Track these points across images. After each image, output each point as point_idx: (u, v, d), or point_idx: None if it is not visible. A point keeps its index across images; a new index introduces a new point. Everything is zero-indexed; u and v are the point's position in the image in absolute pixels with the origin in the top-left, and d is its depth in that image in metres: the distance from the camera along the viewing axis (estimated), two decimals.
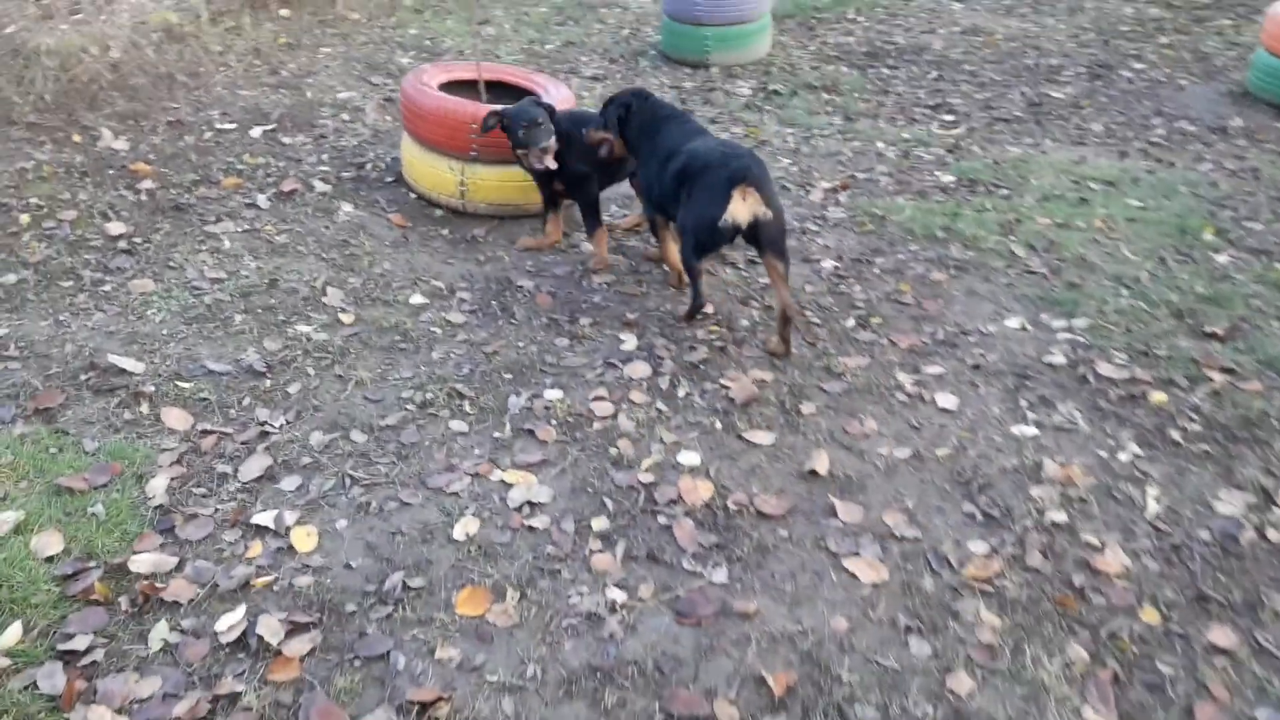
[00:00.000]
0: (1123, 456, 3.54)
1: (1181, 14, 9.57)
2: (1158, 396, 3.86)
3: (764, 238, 3.88)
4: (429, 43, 8.24)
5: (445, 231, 5.02)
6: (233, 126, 5.98)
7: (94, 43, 6.29)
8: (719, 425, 3.64)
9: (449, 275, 4.59)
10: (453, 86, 5.40)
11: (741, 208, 3.77)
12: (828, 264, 4.83)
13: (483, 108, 4.94)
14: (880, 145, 6.55)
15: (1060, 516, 3.24)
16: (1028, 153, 6.50)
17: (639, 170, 4.45)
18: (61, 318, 4.03)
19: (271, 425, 3.48)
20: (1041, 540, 3.15)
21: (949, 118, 7.21)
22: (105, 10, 6.54)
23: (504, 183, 5.04)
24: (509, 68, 5.63)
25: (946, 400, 3.82)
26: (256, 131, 5.92)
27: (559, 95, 5.24)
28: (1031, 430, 3.66)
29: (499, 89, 5.49)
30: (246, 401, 3.61)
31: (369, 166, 5.61)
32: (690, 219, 3.97)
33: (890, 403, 3.81)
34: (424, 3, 9.20)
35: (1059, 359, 4.09)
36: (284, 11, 8.03)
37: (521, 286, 4.50)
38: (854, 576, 2.98)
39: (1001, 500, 3.31)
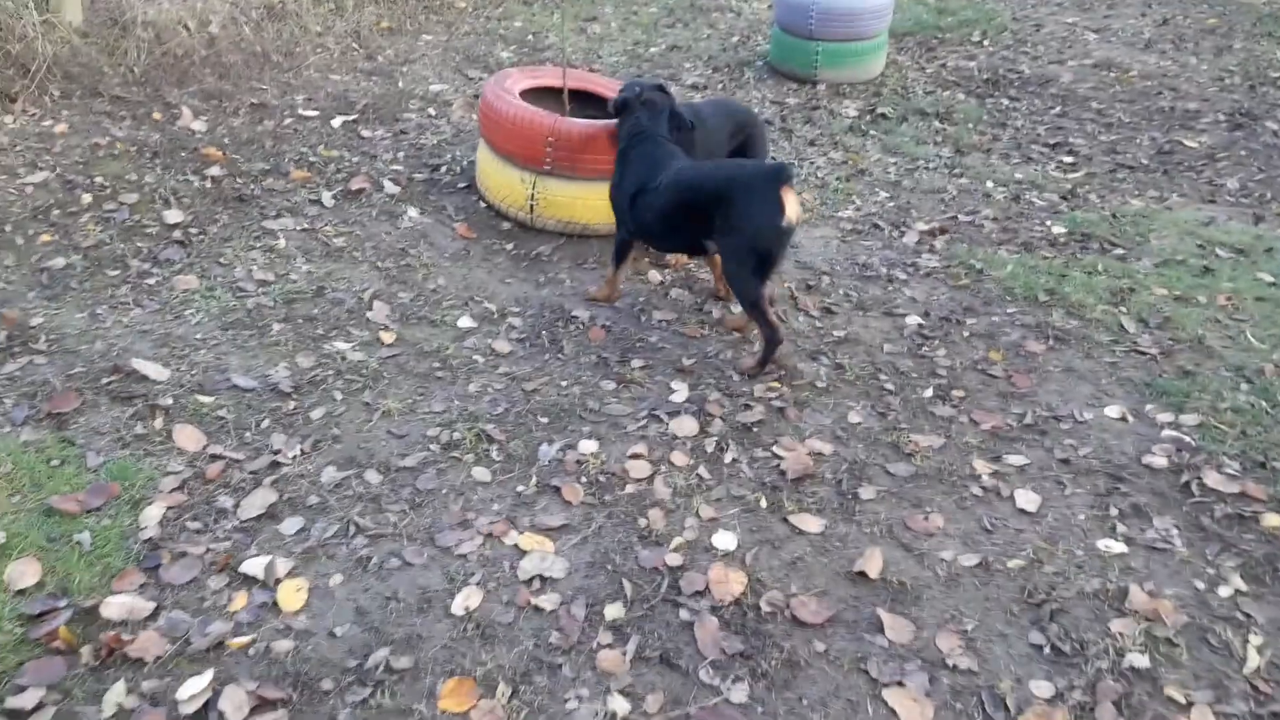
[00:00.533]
0: (1223, 591, 3.05)
1: None
2: (1272, 520, 3.34)
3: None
4: (532, 38, 7.95)
5: (510, 246, 4.72)
6: (315, 114, 5.77)
7: (193, 16, 6.16)
8: (764, 503, 3.25)
9: (503, 297, 4.28)
10: (537, 93, 5.09)
11: (794, 206, 3.66)
12: (912, 320, 4.38)
13: (561, 120, 4.62)
14: (989, 184, 6.03)
15: (1142, 661, 2.78)
16: (1150, 207, 5.91)
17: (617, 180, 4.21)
18: (99, 310, 3.84)
19: (285, 455, 3.22)
20: (1117, 688, 2.69)
21: (1068, 159, 6.63)
22: None
23: (575, 200, 4.71)
24: (597, 77, 5.29)
25: (1027, 499, 3.36)
26: (337, 121, 5.70)
27: None
28: (1120, 546, 3.19)
29: (584, 99, 5.16)
30: (265, 424, 3.36)
31: (444, 169, 5.34)
32: (745, 237, 3.68)
33: (962, 495, 3.37)
34: None
35: (1160, 460, 3.59)
36: None
37: (576, 317, 4.17)
38: (893, 713, 2.58)
39: (1076, 632, 2.86)
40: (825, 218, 5.38)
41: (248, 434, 3.31)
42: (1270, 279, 5.07)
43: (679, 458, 3.40)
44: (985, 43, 8.81)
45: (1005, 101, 7.54)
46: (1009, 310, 4.52)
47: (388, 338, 3.87)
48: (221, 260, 4.24)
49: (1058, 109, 7.48)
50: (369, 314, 4.00)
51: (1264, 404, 3.93)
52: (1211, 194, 6.23)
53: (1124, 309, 4.58)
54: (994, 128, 7.02)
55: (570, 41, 7.97)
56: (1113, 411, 3.85)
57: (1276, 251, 5.39)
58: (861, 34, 7.45)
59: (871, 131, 6.84)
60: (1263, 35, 9.40)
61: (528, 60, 7.49)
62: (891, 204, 5.62)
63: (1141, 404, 3.92)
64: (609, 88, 5.13)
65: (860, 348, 4.16)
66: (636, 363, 3.91)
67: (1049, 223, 5.58)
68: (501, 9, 8.39)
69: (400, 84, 6.53)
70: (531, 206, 4.75)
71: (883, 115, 7.08)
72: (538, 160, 4.64)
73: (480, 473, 3.25)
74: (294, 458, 3.22)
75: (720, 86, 7.40)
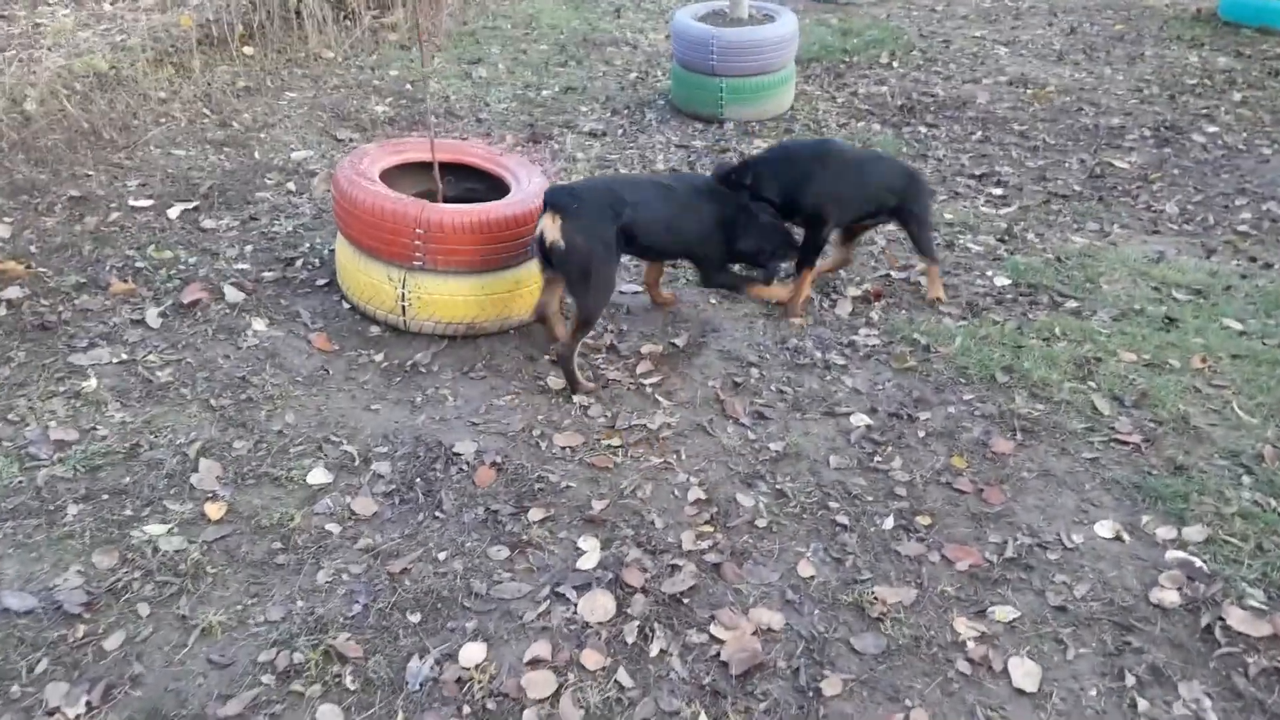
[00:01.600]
0: None
1: (1253, 65, 8.31)
2: None
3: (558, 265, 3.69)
4: (410, 88, 7.10)
5: (379, 357, 3.88)
6: (148, 204, 4.85)
7: (2, 94, 5.19)
8: (704, 718, 2.48)
9: (368, 432, 3.45)
10: (404, 171, 4.27)
11: (547, 225, 3.61)
12: (858, 421, 3.66)
13: (431, 207, 3.81)
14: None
15: None
16: (1094, 244, 5.30)
17: None
18: None
19: (64, 714, 2.36)
20: None
21: (998, 191, 6.02)
22: (25, 56, 5.44)
23: (456, 296, 3.91)
24: (475, 146, 4.47)
25: (1024, 672, 2.65)
26: (175, 211, 4.79)
27: (529, 185, 4.10)
28: None
29: (459, 172, 4.36)
30: (41, 668, 2.49)
31: (300, 263, 4.48)
32: None
33: (947, 675, 2.65)
34: (412, 37, 8.06)
35: (1171, 595, 2.91)
36: (247, 50, 6.91)
37: (459, 454, 3.35)
38: None
39: None
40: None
41: (13, 687, 2.44)
42: (1239, 326, 4.47)
43: (592, 658, 2.61)
44: (895, 64, 8.21)
45: (923, 129, 6.92)
46: (965, 397, 3.82)
47: (215, 511, 3.01)
48: (10, 416, 3.34)
49: (979, 134, 6.88)
50: (194, 478, 3.13)
51: (1274, 503, 3.28)
52: (1153, 222, 5.66)
53: (1093, 384, 3.92)
54: (915, 159, 6.38)
55: (454, 88, 7.14)
56: (1105, 529, 3.16)
57: (1236, 291, 4.81)
58: (766, 67, 6.76)
59: None
60: (1172, 39, 8.98)
61: (406, 114, 6.65)
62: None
63: (1136, 515, 3.24)
64: (487, 158, 4.33)
65: (803, 464, 3.42)
66: (535, 514, 3.11)
67: (990, 273, 4.93)
68: (375, 56, 7.53)
69: (256, 154, 5.64)
70: (404, 308, 3.93)
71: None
72: (406, 255, 3.82)
73: (329, 712, 2.43)
74: (75, 718, 2.35)
75: (620, 131, 6.65)
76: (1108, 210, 5.80)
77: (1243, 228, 5.62)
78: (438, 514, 3.08)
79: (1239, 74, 8.11)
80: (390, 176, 4.17)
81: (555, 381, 3.82)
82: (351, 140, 6.09)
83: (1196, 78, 8.00)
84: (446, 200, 4.30)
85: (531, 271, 3.98)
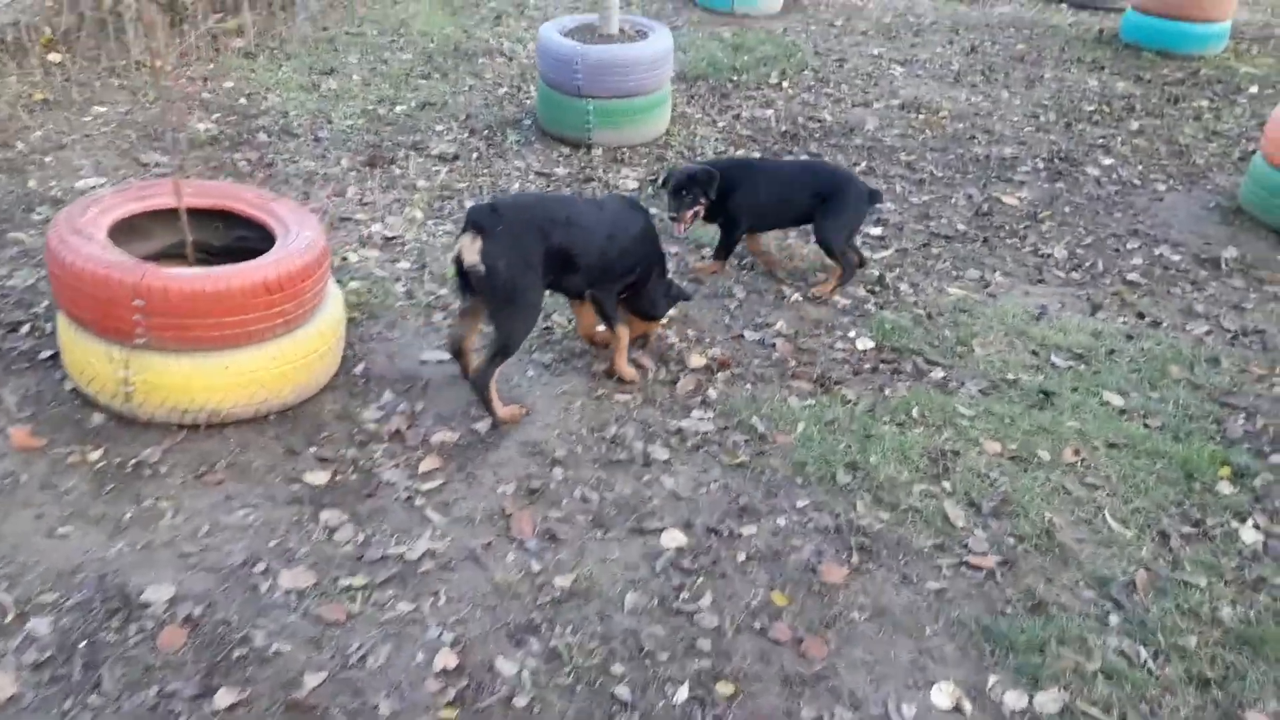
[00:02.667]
0: None
1: (1153, 91, 7.84)
2: None
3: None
4: (245, 101, 6.26)
5: (95, 456, 3.10)
6: None
7: None
8: None
9: (42, 569, 2.67)
10: (154, 219, 3.49)
11: (465, 245, 3.24)
12: (670, 541, 2.98)
13: (154, 272, 3.04)
14: (785, 284, 4.72)
15: None
16: (971, 297, 4.70)
17: None
18: None
19: None
20: None
21: (876, 231, 5.40)
22: None
23: (193, 379, 3.15)
24: (245, 190, 3.69)
25: None
26: None
27: (296, 240, 3.34)
28: None
29: (231, 219, 3.58)
30: None
31: (27, 328, 3.67)
32: None
33: None
34: (262, 44, 7.21)
35: None
36: (54, 56, 6.02)
37: (147, 604, 2.59)
38: None
39: None
40: (576, 353, 3.94)
41: None
42: (1120, 401, 3.89)
43: None
44: (785, 84, 7.57)
45: (805, 158, 6.29)
46: (799, 503, 3.16)
47: None
48: None
49: (864, 163, 6.27)
50: None
51: (1143, 653, 2.68)
52: (1039, 269, 5.08)
53: (948, 484, 3.29)
54: None
55: (295, 102, 6.32)
56: (942, 698, 2.52)
57: (1120, 356, 4.23)
58: (638, 88, 6.05)
59: (653, 210, 5.44)
60: (1072, 61, 8.48)
61: (232, 133, 5.82)
62: (663, 322, 4.23)
63: (982, 674, 2.61)
64: (258, 205, 3.55)
65: (592, 607, 2.73)
66: (223, 697, 2.36)
67: (853, 334, 4.30)
68: (213, 64, 6.67)
69: (31, 182, 4.79)
70: (127, 394, 3.16)
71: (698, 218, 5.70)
72: (126, 331, 3.05)
73: None
74: None
75: (475, 155, 5.90)
76: (991, 254, 5.21)
77: (1133, 275, 5.07)
78: (93, 698, 2.33)
79: (1138, 100, 7.63)
80: (139, 227, 3.40)
81: (315, 477, 3.09)
82: (157, 165, 5.26)
83: (1095, 103, 7.50)
84: (213, 254, 3.54)
85: (297, 344, 3.24)
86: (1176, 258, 5.32)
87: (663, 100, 6.28)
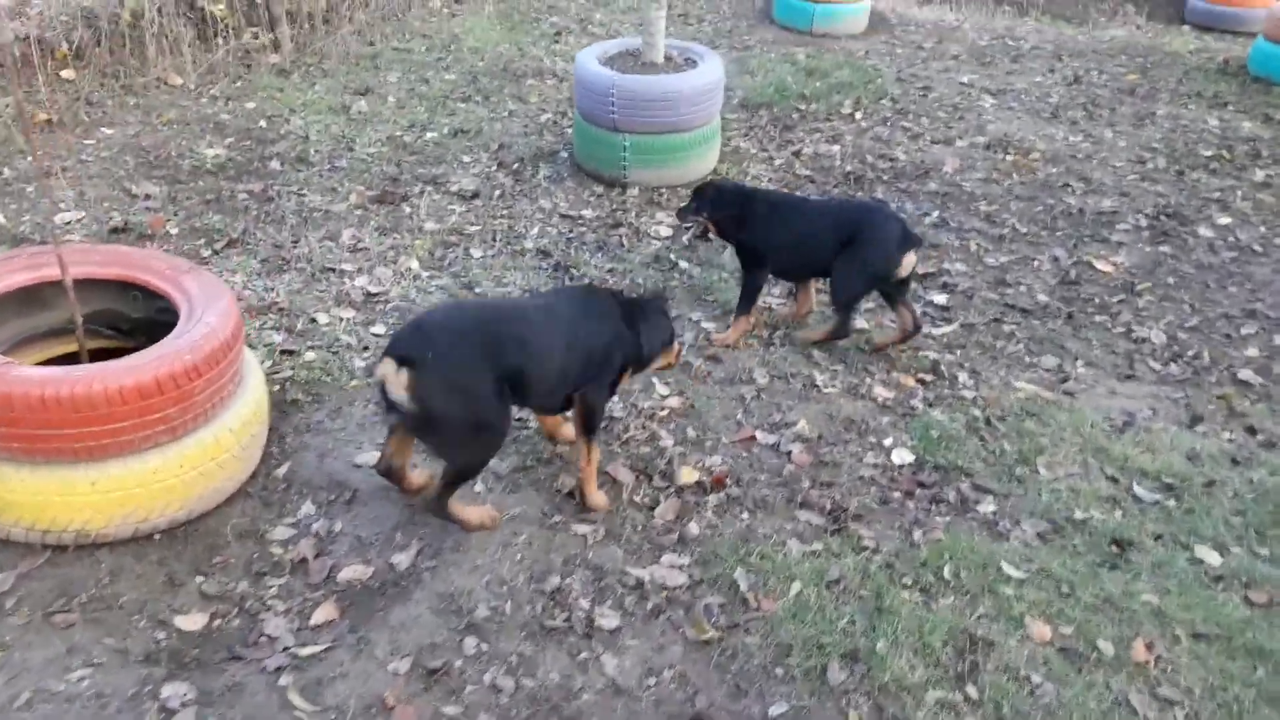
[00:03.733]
0: None
1: None
2: None
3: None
4: (264, 124, 5.77)
5: None
6: None
7: None
8: None
9: None
10: (43, 292, 2.94)
11: (390, 378, 2.57)
12: None
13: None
14: (818, 366, 3.96)
15: None
16: (1043, 395, 3.86)
17: None
18: None
19: None
20: None
21: (940, 299, 4.58)
22: None
23: (52, 496, 2.58)
24: (151, 256, 3.07)
25: None
26: None
27: (200, 324, 2.74)
28: None
29: (138, 289, 3.01)
30: None
31: None
32: None
33: None
34: (299, 60, 6.72)
35: None
36: (67, 73, 5.61)
37: None
38: None
39: None
40: (544, 459, 3.26)
41: None
42: (1215, 560, 3.03)
43: None
44: (858, 115, 6.74)
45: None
46: (773, 711, 2.41)
47: None
48: None
49: (935, 214, 5.43)
50: None
51: None
52: (1129, 359, 4.19)
53: (973, 690, 2.48)
54: None
55: (320, 126, 5.79)
56: None
57: (1222, 486, 3.36)
58: (680, 124, 5.34)
59: (682, 263, 4.74)
60: (1190, 96, 7.41)
61: (243, 160, 5.32)
62: (660, 415, 3.52)
63: None
64: (167, 276, 2.96)
65: None
66: None
67: (889, 441, 3.51)
68: (241, 81, 6.19)
69: (1, 217, 4.34)
70: None
71: (704, 235, 4.98)
72: None
73: None
74: None
75: (499, 193, 5.27)
76: (1075, 335, 4.35)
77: (1246, 372, 4.15)
78: None
79: (1265, 145, 6.56)
80: (40, 298, 2.86)
81: (188, 621, 2.49)
82: (148, 198, 4.77)
83: (1214, 147, 6.47)
84: (125, 330, 2.97)
85: (187, 453, 2.65)
86: None
87: (709, 136, 5.55)
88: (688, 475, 3.14)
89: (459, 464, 2.72)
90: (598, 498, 2.95)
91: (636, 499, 3.02)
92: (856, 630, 2.57)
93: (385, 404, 2.60)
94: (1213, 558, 3.05)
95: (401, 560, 2.69)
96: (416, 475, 2.90)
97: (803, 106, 6.78)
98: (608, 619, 2.55)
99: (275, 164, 5.35)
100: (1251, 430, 3.77)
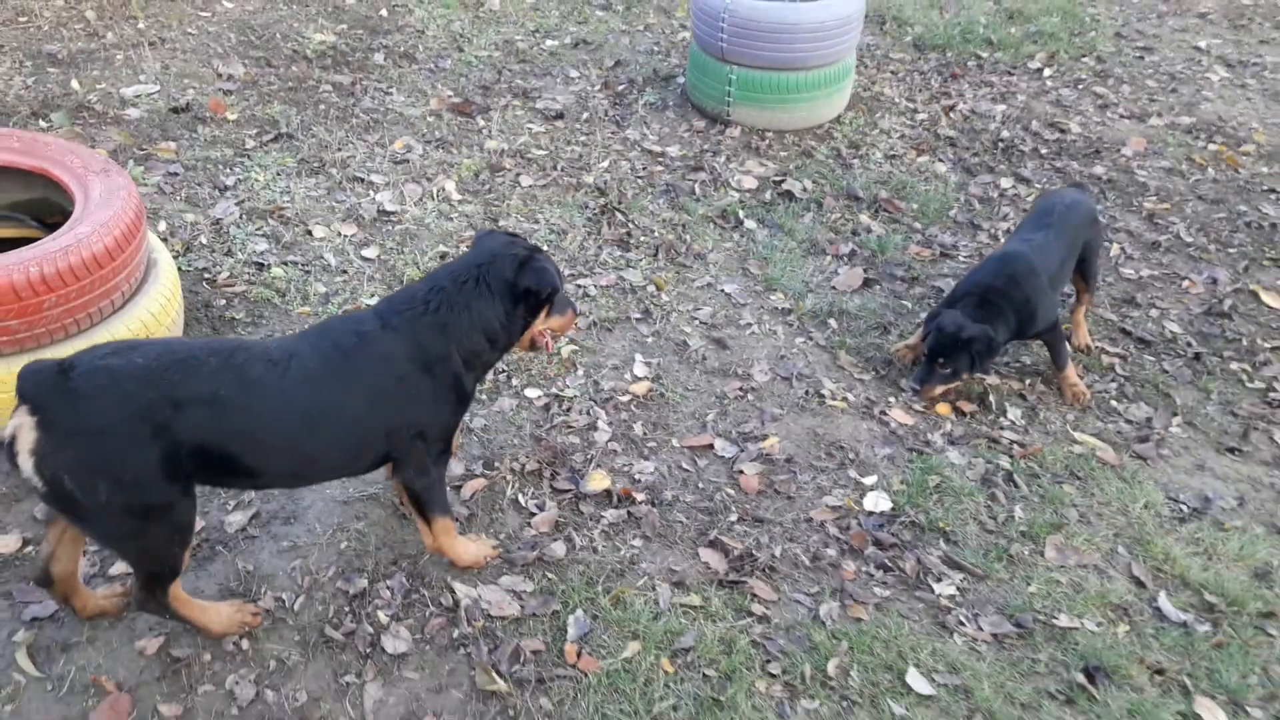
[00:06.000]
0: None
1: None
2: None
3: None
4: (385, 12, 5.62)
5: None
6: None
7: None
8: None
9: None
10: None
11: (23, 435, 1.86)
12: None
13: None
14: (838, 371, 3.40)
15: None
16: (1103, 453, 3.13)
17: None
18: None
19: None
20: None
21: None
22: None
23: None
24: (75, 148, 2.88)
25: None
26: None
27: (84, 224, 2.59)
28: None
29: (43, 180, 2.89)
30: None
31: None
32: None
33: None
34: None
35: None
36: None
37: None
38: None
39: None
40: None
41: None
42: None
43: None
44: (1046, 72, 5.77)
45: (1005, 184, 4.67)
46: None
47: None
48: None
49: None
50: None
51: None
52: (1249, 425, 3.34)
53: None
54: (955, 238, 4.24)
55: (440, 21, 5.58)
56: None
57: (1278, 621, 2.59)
58: (798, 60, 4.71)
59: (748, 224, 4.23)
60: None
61: (346, 47, 5.20)
62: (618, 400, 3.12)
63: None
64: (80, 176, 2.80)
65: None
66: None
67: (870, 480, 2.96)
68: None
69: (74, 83, 4.44)
70: None
71: (788, 194, 4.42)
72: None
73: None
74: None
75: (586, 116, 4.89)
76: (1193, 383, 3.53)
77: None
78: None
79: None
80: None
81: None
82: (230, 78, 4.75)
83: None
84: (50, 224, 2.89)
85: None
86: None
87: (836, 78, 4.88)
88: (597, 481, 2.74)
89: (135, 563, 2.06)
90: (466, 551, 2.40)
91: (521, 499, 2.66)
92: None
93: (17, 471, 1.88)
94: (1216, 717, 2.35)
95: (235, 520, 2.50)
96: (90, 601, 2.20)
97: (984, 54, 5.88)
98: (398, 641, 2.24)
99: (379, 56, 5.19)
100: None
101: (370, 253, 3.66)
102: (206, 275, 3.41)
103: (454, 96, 4.88)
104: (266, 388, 1.99)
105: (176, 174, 3.96)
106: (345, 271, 3.52)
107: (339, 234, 3.72)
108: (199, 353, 1.98)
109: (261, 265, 3.44)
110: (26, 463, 1.84)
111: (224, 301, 3.25)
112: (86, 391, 1.86)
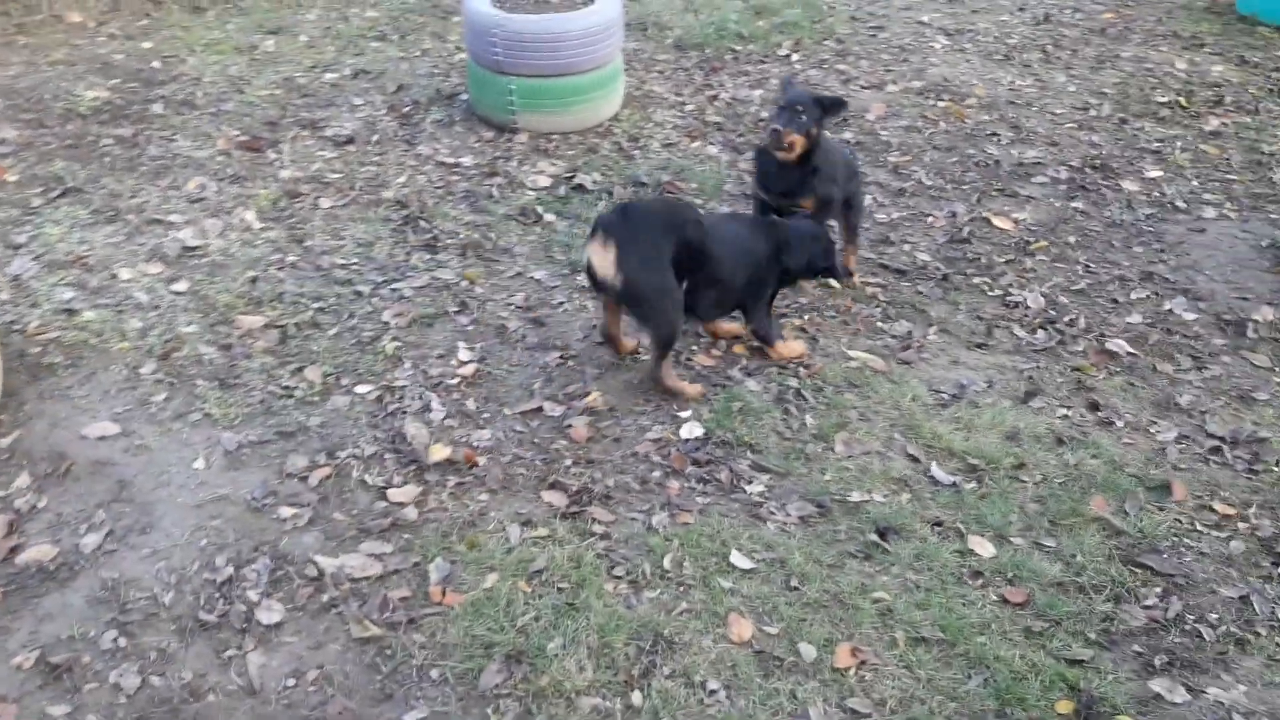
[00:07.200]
0: None
1: (1255, 79, 6.21)
2: None
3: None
4: (158, 64, 5.64)
5: None
6: None
7: None
8: None
9: None
10: None
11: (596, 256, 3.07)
12: None
13: None
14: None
15: None
16: (873, 364, 3.61)
17: None
18: None
19: None
20: None
21: None
22: None
23: None
24: None
25: None
26: None
27: None
28: None
29: None
30: None
31: None
32: None
33: None
34: None
35: None
36: None
37: None
38: None
39: None
40: (280, 436, 3.12)
41: None
42: (988, 552, 2.82)
43: None
44: (794, 57, 6.38)
45: None
46: (411, 716, 2.27)
47: None
48: None
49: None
50: None
51: None
52: (992, 325, 3.91)
53: (637, 697, 2.32)
54: (733, 208, 4.68)
55: (217, 67, 5.65)
56: None
57: (1033, 469, 3.12)
58: (570, 65, 5.07)
59: (548, 216, 4.54)
60: (1165, 37, 6.87)
61: (122, 103, 5.21)
62: (447, 383, 3.36)
63: None
64: None
65: None
66: None
67: (687, 413, 3.31)
68: (145, 21, 6.05)
69: None
70: None
71: (580, 187, 4.77)
72: None
73: None
74: None
75: (377, 138, 5.09)
76: (944, 298, 4.07)
77: (1117, 341, 3.85)
78: None
79: (1230, 90, 6.05)
80: None
81: None
82: (2, 143, 4.69)
83: (1172, 93, 5.98)
84: None
85: None
86: (1191, 316, 4.03)
87: (608, 79, 5.28)
88: (437, 452, 2.99)
89: (659, 330, 3.21)
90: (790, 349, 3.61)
91: (368, 479, 2.88)
92: (536, 628, 2.42)
93: (591, 281, 3.16)
94: (985, 550, 2.83)
95: (90, 542, 2.60)
96: (629, 341, 3.51)
97: (738, 48, 6.44)
98: (271, 613, 2.42)
99: (158, 106, 5.23)
100: (1094, 406, 3.50)
101: (181, 286, 3.76)
102: (16, 327, 3.43)
103: (240, 135, 5.00)
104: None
105: None
106: (158, 307, 3.62)
107: (145, 274, 3.81)
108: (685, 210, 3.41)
109: (71, 311, 3.49)
110: (609, 270, 3.05)
111: (38, 349, 3.30)
112: (637, 221, 3.12)
